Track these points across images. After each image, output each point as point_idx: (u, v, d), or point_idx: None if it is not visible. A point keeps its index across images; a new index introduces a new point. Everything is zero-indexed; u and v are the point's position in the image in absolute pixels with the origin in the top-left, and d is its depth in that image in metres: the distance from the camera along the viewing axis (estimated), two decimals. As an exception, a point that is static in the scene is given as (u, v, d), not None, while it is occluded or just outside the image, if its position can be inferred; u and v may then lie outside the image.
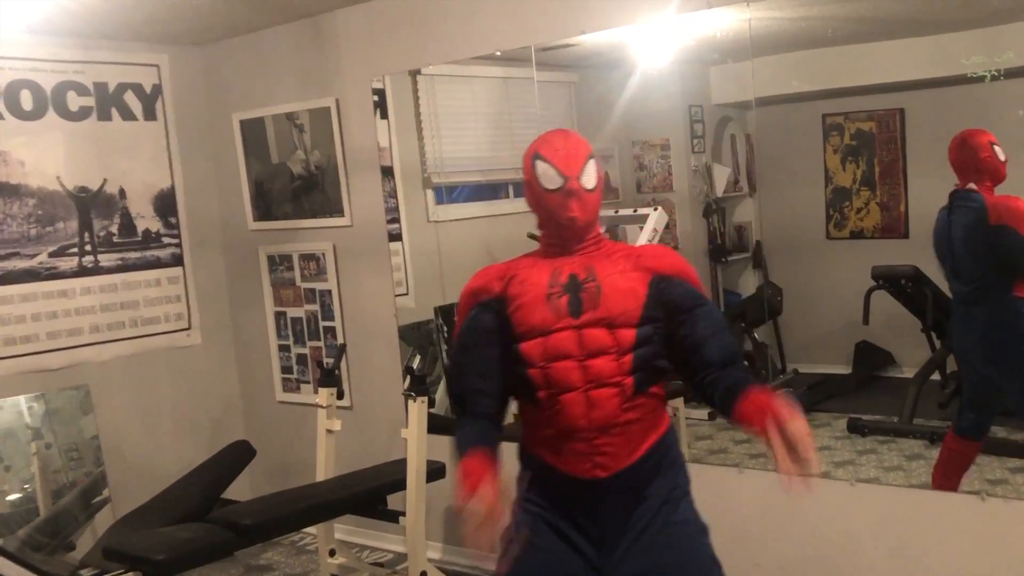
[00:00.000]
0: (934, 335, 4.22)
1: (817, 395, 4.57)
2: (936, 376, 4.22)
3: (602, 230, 2.39)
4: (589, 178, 2.23)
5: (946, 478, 3.47)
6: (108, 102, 4.63)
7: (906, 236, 4.43)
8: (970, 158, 3.36)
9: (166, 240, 4.86)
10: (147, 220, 4.78)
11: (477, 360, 2.29)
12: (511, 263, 2.35)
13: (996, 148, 3.32)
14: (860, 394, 4.58)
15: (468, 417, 2.30)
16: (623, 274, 2.23)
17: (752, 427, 2.04)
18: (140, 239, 4.75)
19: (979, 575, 2.99)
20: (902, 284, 4.20)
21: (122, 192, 4.68)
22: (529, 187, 2.28)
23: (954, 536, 3.04)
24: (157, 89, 4.81)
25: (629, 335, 2.19)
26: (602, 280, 2.21)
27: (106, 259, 4.62)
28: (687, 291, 2.24)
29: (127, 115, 4.70)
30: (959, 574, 3.03)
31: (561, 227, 2.24)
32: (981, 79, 3.25)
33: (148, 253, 4.78)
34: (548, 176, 2.21)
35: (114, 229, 4.65)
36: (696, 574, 2.26)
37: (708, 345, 2.19)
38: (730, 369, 2.18)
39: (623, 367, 2.18)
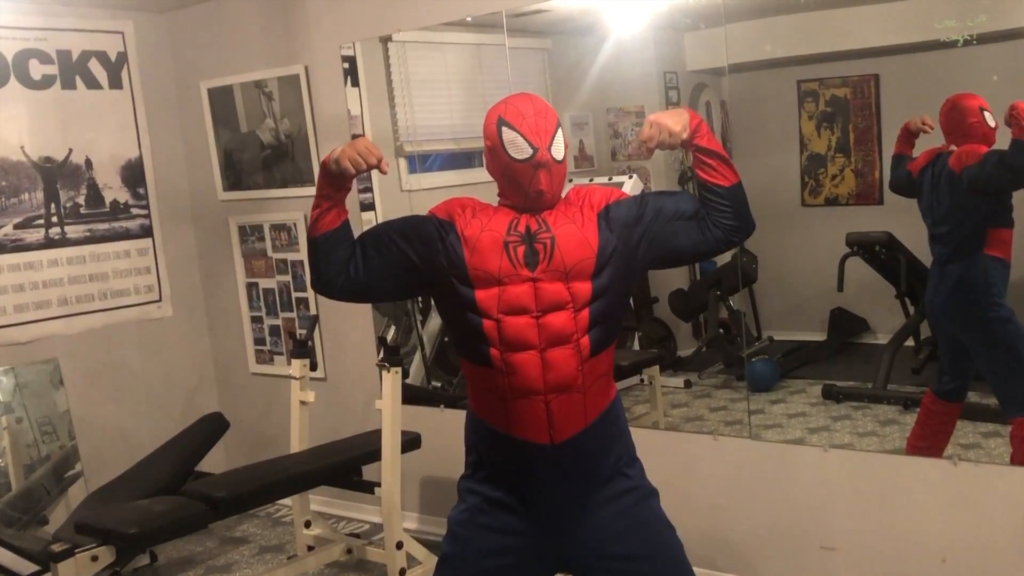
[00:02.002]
0: (908, 301, 4.24)
1: (792, 362, 4.59)
2: (910, 342, 4.24)
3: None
4: (558, 149, 2.18)
5: (922, 440, 3.49)
6: (72, 70, 4.53)
7: (880, 203, 4.42)
8: (958, 122, 3.36)
9: (135, 211, 4.79)
10: (115, 191, 4.71)
11: (384, 245, 2.24)
12: (475, 200, 2.29)
13: (986, 113, 3.30)
14: (835, 360, 4.60)
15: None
16: (575, 224, 2.19)
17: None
18: (108, 210, 4.68)
19: (952, 539, 3.02)
20: (876, 251, 4.21)
21: (88, 162, 4.60)
22: (493, 153, 2.21)
23: (927, 500, 3.07)
24: (122, 57, 4.72)
25: (585, 288, 2.15)
26: (556, 231, 2.17)
27: (73, 231, 4.55)
28: (628, 204, 2.25)
29: (92, 83, 4.61)
30: (932, 538, 3.06)
31: (527, 198, 2.19)
32: (954, 44, 3.24)
33: (116, 224, 4.71)
34: (516, 145, 2.15)
35: (81, 200, 4.58)
36: (649, 539, 2.24)
37: (678, 206, 2.27)
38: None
39: (580, 324, 2.14)
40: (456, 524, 2.29)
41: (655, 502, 2.29)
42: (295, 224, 4.57)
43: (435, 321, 4.74)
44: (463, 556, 2.26)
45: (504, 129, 2.17)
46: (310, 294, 4.60)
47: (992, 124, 3.30)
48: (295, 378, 4.02)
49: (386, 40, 4.34)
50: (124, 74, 4.73)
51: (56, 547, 3.18)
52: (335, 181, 2.22)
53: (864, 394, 4.13)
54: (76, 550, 3.17)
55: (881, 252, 4.20)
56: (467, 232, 2.19)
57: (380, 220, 4.44)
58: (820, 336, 4.69)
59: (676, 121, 2.17)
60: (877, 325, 4.56)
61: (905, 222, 4.12)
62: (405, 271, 2.23)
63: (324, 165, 2.22)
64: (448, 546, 2.30)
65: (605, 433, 2.23)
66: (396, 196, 4.54)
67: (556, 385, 2.14)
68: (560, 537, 2.22)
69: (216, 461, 4.49)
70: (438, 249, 2.20)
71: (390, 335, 4.58)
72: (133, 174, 4.78)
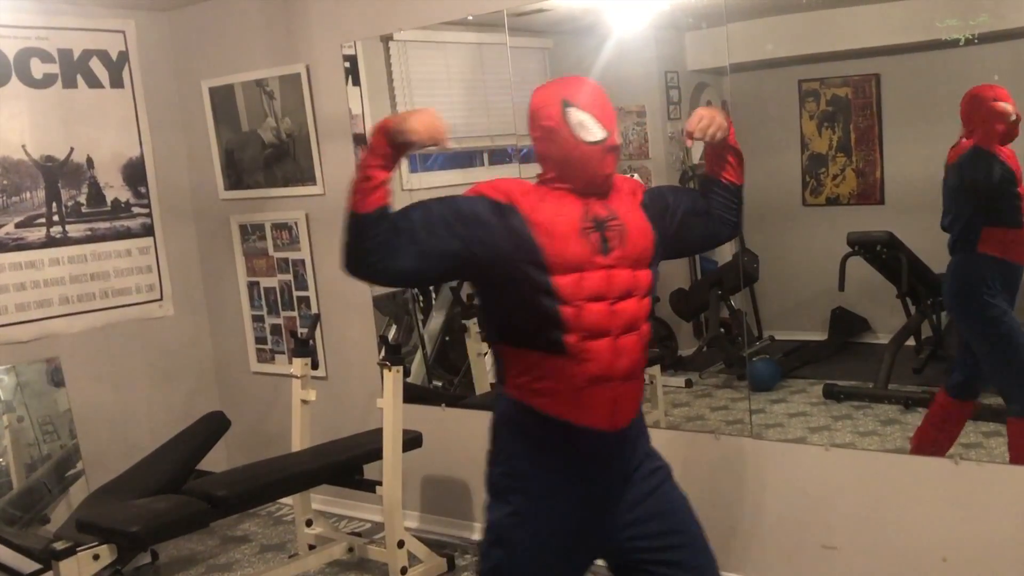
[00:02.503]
0: (909, 301, 4.24)
1: (793, 361, 4.59)
2: (911, 342, 4.24)
3: None
4: (618, 134, 2.21)
5: (926, 436, 3.49)
6: (73, 69, 4.53)
7: (882, 202, 4.43)
8: (973, 113, 3.32)
9: (136, 210, 4.79)
10: (116, 189, 4.71)
11: (431, 233, 2.06)
12: (530, 183, 2.22)
13: (998, 106, 3.24)
14: (836, 360, 4.60)
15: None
16: (633, 212, 2.23)
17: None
18: (109, 209, 4.68)
19: (953, 538, 3.02)
20: (877, 250, 4.21)
21: (90, 161, 4.60)
22: (553, 135, 2.16)
23: (928, 500, 3.07)
24: (123, 56, 4.71)
25: (647, 276, 2.21)
26: (623, 219, 2.19)
27: (75, 229, 4.55)
28: (653, 195, 2.35)
29: (93, 82, 4.61)
30: (933, 537, 3.06)
31: (593, 182, 2.17)
32: (956, 43, 3.23)
33: (118, 223, 4.71)
34: (586, 127, 2.13)
35: (82, 199, 4.58)
36: (683, 519, 2.29)
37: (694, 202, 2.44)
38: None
39: (643, 311, 2.20)
40: (505, 529, 2.20)
41: (675, 481, 2.35)
42: (296, 223, 4.57)
43: (436, 320, 4.75)
44: (519, 564, 2.19)
45: (571, 111, 2.14)
46: (311, 293, 4.60)
47: (1013, 117, 3.23)
48: (296, 377, 4.02)
49: (387, 39, 4.34)
50: (125, 73, 4.73)
51: (58, 545, 3.18)
52: (397, 151, 2.07)
53: (865, 393, 4.14)
54: (78, 548, 3.17)
55: (882, 252, 4.20)
56: (536, 217, 2.11)
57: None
58: (821, 336, 4.69)
59: (724, 118, 2.29)
60: (878, 325, 4.56)
61: (906, 222, 4.13)
62: (455, 254, 2.08)
63: (385, 132, 2.05)
64: (501, 554, 2.20)
65: (641, 420, 2.30)
66: (397, 195, 4.50)
67: (626, 372, 2.16)
68: (604, 521, 2.22)
69: (217, 460, 4.49)
70: (498, 232, 2.09)
71: (391, 334, 4.58)
72: (134, 173, 4.78)
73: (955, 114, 3.51)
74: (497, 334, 2.21)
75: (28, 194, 4.39)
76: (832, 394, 4.20)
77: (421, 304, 4.74)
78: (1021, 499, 2.88)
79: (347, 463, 3.78)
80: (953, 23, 3.26)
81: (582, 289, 2.10)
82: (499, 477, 2.23)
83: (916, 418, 3.84)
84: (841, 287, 4.28)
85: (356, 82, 4.33)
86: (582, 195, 2.17)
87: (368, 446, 3.79)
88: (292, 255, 4.64)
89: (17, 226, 4.35)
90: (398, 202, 4.54)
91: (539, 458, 2.19)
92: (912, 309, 4.25)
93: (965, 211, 3.36)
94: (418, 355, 4.63)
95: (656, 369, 4.31)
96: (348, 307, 4.47)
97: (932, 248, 4.12)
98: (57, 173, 4.49)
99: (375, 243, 2.04)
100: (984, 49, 3.36)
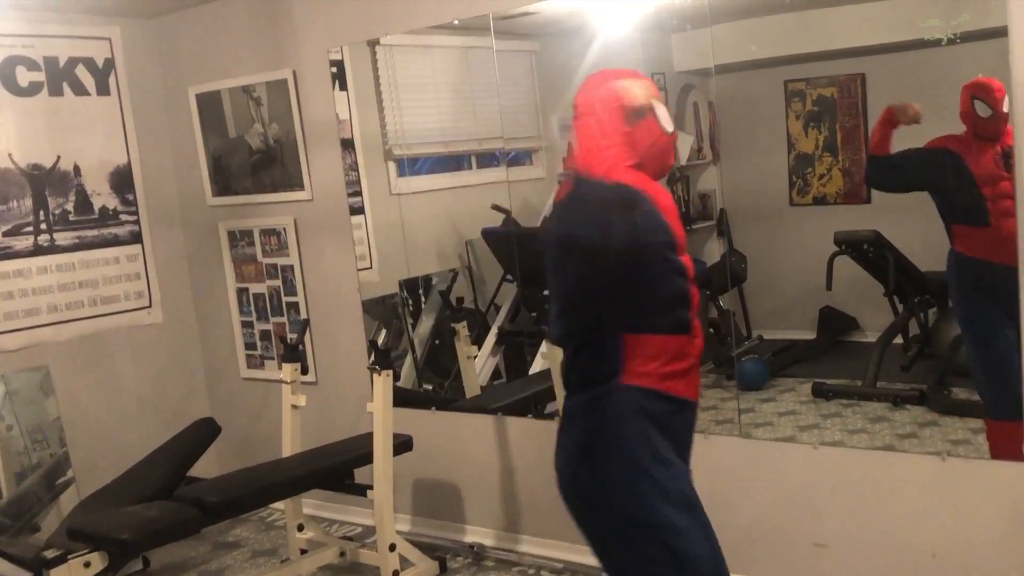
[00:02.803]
0: (896, 299, 4.26)
1: (782, 361, 4.60)
2: (899, 340, 4.26)
3: None
4: None
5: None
6: (59, 77, 4.53)
7: (868, 201, 4.45)
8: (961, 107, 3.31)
9: (124, 217, 4.78)
10: (104, 197, 4.70)
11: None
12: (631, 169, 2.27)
13: (978, 103, 3.20)
14: (825, 359, 4.62)
15: None
16: None
17: None
18: (97, 216, 4.67)
19: (941, 534, 3.04)
20: (864, 249, 4.23)
21: (77, 169, 4.60)
22: (646, 123, 2.24)
23: (917, 496, 3.08)
24: (109, 63, 4.71)
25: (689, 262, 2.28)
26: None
27: (62, 237, 4.54)
28: None
29: (79, 90, 4.60)
30: (922, 533, 3.08)
31: (662, 169, 2.30)
32: (938, 42, 3.25)
33: (106, 231, 4.70)
34: (666, 119, 2.26)
35: (70, 207, 4.57)
36: None
37: None
38: None
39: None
40: (685, 485, 2.25)
41: None
42: (284, 229, 4.57)
43: (426, 324, 4.75)
44: (706, 523, 2.29)
45: (656, 103, 2.25)
46: (300, 298, 4.60)
47: (985, 114, 3.18)
48: (286, 382, 4.02)
49: (374, 44, 4.34)
50: (112, 80, 4.72)
51: (48, 553, 3.17)
52: None
53: (854, 392, 4.15)
54: (69, 556, 3.16)
55: (869, 250, 4.22)
56: (661, 200, 2.21)
57: (371, 222, 4.46)
58: (810, 335, 4.71)
59: None
60: (866, 323, 4.58)
61: (892, 220, 4.15)
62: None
63: None
64: (693, 517, 2.25)
65: None
66: (386, 200, 4.54)
67: (701, 347, 2.29)
68: None
69: (208, 466, 4.48)
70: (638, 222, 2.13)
71: (381, 338, 4.59)
72: (122, 180, 4.77)
73: (940, 113, 3.54)
74: (623, 324, 2.19)
75: (15, 203, 4.38)
76: (821, 392, 4.22)
77: (411, 308, 4.74)
78: (1007, 493, 2.90)
79: (338, 467, 3.78)
80: (935, 23, 3.28)
81: (689, 269, 2.23)
82: (650, 461, 2.20)
83: (904, 415, 3.87)
84: (829, 286, 4.29)
85: (343, 87, 4.34)
86: (655, 180, 2.29)
87: (359, 450, 3.79)
88: (281, 261, 4.64)
89: (4, 235, 4.34)
90: (385, 205, 4.53)
91: (668, 439, 2.23)
92: (899, 307, 4.27)
93: (938, 209, 3.38)
94: (408, 359, 4.64)
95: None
96: (337, 312, 4.47)
97: (918, 246, 4.15)
98: (44, 181, 4.48)
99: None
100: (967, 48, 3.39)
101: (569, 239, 2.10)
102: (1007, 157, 2.75)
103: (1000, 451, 3.08)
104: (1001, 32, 2.68)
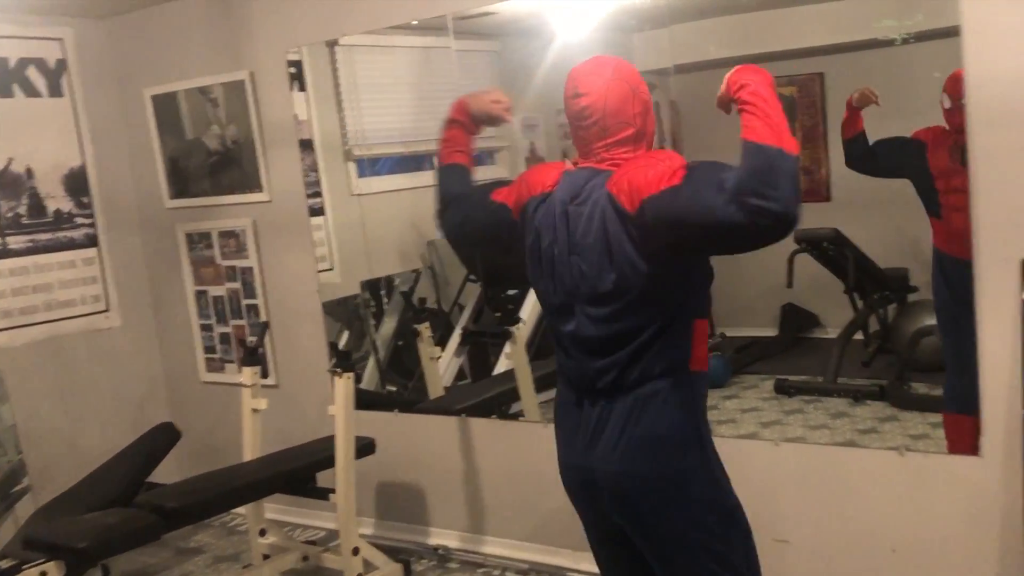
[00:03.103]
0: (856, 296, 4.30)
1: (745, 358, 4.64)
2: (860, 336, 4.30)
3: None
4: None
5: None
6: (9, 78, 4.45)
7: (828, 200, 4.49)
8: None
9: (79, 220, 4.70)
10: (58, 200, 4.62)
11: None
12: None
13: (944, 94, 3.13)
14: (786, 355, 4.66)
15: None
16: None
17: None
18: (51, 220, 4.59)
19: (901, 528, 3.07)
20: (824, 247, 4.27)
21: (29, 172, 4.52)
22: (650, 113, 2.34)
23: (876, 491, 3.11)
24: (62, 64, 4.63)
25: None
26: None
27: (15, 241, 4.46)
28: None
29: (30, 91, 4.52)
30: (882, 528, 3.10)
31: None
32: (892, 42, 3.28)
33: (60, 234, 4.63)
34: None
35: (22, 210, 4.49)
36: None
37: None
38: None
39: None
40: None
41: None
42: (243, 231, 4.53)
43: (388, 325, 4.73)
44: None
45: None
46: (260, 301, 4.55)
47: (946, 105, 3.14)
48: (246, 386, 3.98)
49: (332, 44, 4.31)
50: (64, 81, 4.64)
51: (3, 564, 3.12)
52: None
53: (815, 388, 4.19)
54: (24, 566, 3.10)
55: (829, 248, 4.26)
56: None
57: (331, 223, 4.42)
58: (771, 332, 4.75)
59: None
60: (827, 320, 4.62)
61: (852, 218, 4.19)
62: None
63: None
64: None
65: None
66: (346, 200, 4.52)
67: None
68: None
69: (168, 471, 4.42)
70: None
71: (343, 340, 4.56)
72: (76, 183, 4.70)
73: (899, 111, 3.57)
74: (692, 311, 2.18)
75: (-34, 206, 4.30)
76: (783, 389, 4.25)
77: (373, 309, 4.72)
78: (964, 487, 2.93)
79: (299, 471, 3.75)
80: (890, 23, 3.31)
81: None
82: (713, 446, 2.26)
83: (865, 411, 3.90)
84: (789, 284, 4.33)
85: (302, 87, 4.30)
86: None
87: (320, 454, 3.76)
88: (240, 263, 4.59)
89: (-44, 239, 4.26)
90: (346, 206, 4.49)
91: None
92: (859, 304, 4.31)
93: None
94: (371, 360, 4.61)
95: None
96: (297, 314, 4.43)
97: (878, 244, 4.19)
98: (-5, 184, 4.40)
99: None
100: (922, 47, 3.42)
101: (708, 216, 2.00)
102: (963, 151, 2.77)
103: (957, 446, 3.12)
104: (954, 32, 2.70)
